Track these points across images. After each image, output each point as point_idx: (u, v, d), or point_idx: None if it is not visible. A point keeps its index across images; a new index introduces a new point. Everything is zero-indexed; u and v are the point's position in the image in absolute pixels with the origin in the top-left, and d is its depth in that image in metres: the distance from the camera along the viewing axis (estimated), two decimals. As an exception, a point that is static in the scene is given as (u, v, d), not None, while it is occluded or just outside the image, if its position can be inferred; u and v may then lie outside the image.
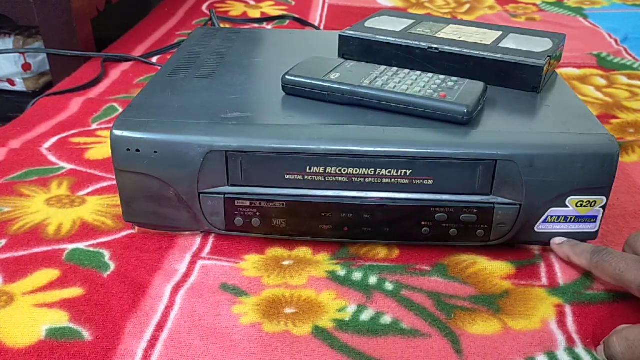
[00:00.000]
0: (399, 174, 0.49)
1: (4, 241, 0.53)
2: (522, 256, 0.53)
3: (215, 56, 0.65)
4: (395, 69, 0.56)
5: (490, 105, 0.53)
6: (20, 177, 0.63)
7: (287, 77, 0.54)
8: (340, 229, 0.51)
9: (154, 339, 0.44)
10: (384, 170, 0.48)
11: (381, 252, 0.53)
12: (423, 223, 0.50)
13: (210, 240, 0.54)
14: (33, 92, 1.02)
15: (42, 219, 0.56)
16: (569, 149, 0.47)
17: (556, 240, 0.52)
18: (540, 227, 0.51)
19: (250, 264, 0.52)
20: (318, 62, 0.57)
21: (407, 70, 0.55)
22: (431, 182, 0.49)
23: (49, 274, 0.49)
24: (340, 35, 0.63)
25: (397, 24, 0.65)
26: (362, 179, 0.49)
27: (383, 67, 0.56)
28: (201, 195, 0.50)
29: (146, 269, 0.50)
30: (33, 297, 0.47)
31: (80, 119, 0.77)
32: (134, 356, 0.42)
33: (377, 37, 0.61)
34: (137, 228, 0.55)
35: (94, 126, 0.75)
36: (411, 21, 0.66)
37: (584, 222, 0.51)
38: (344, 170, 0.49)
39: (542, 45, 0.60)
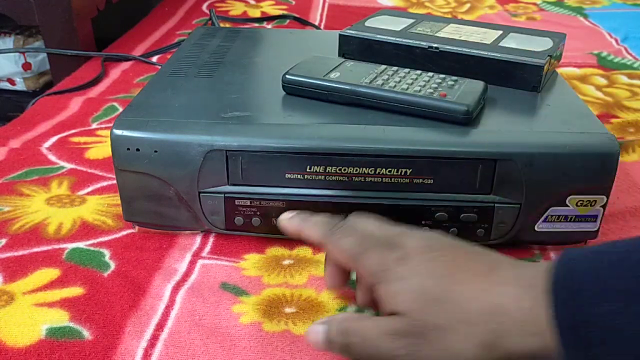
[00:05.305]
0: (399, 173, 0.49)
1: (4, 241, 0.53)
2: (522, 255, 0.53)
3: (215, 55, 0.65)
4: (395, 68, 0.56)
5: (490, 105, 0.53)
6: (20, 177, 0.63)
7: (287, 76, 0.54)
8: (341, 228, 0.51)
9: (154, 338, 0.44)
10: (384, 169, 0.48)
11: (381, 251, 0.53)
12: (423, 222, 0.50)
13: (211, 240, 0.54)
14: (33, 91, 1.02)
15: (42, 218, 0.56)
16: (569, 149, 0.47)
17: (286, 214, 0.46)
18: (540, 227, 0.51)
19: (251, 263, 0.52)
20: (318, 62, 0.56)
21: (407, 70, 0.55)
22: (431, 181, 0.49)
23: (49, 274, 0.49)
24: (340, 35, 0.63)
25: (398, 23, 0.65)
26: (362, 179, 0.49)
27: (383, 67, 0.56)
28: (201, 194, 0.50)
29: (146, 268, 0.50)
30: (33, 297, 0.47)
31: (81, 119, 0.77)
32: (134, 355, 0.42)
33: (378, 36, 0.61)
34: (137, 227, 0.55)
35: (94, 125, 0.75)
36: (411, 20, 0.66)
37: (584, 221, 0.51)
38: (344, 170, 0.49)
39: (542, 44, 0.60)
